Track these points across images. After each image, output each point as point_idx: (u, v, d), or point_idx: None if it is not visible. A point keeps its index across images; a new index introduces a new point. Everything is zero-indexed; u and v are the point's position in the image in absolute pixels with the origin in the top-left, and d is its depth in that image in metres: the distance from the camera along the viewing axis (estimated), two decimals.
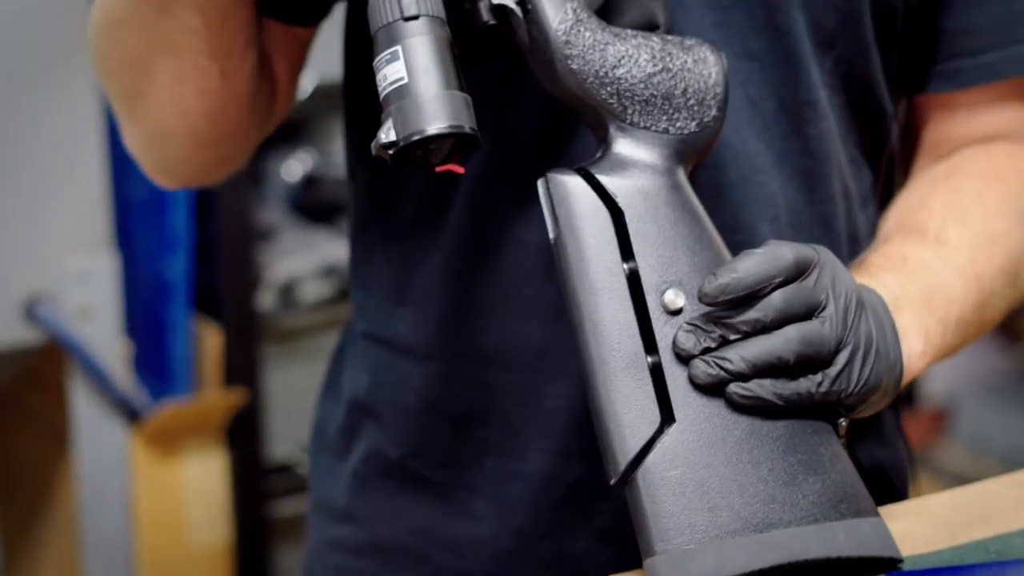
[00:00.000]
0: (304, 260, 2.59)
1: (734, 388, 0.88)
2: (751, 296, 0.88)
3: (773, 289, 0.88)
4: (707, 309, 0.89)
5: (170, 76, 1.05)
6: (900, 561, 0.89)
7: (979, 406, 2.99)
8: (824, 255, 0.92)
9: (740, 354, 0.87)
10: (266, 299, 2.53)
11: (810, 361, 0.89)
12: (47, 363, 2.22)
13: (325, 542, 1.20)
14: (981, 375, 2.98)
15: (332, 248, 2.61)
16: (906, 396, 1.12)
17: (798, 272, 0.89)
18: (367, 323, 1.16)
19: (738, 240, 1.04)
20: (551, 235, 0.91)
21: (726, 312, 0.88)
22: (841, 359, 0.90)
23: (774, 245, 0.90)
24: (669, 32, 0.96)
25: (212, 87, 1.06)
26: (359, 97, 1.14)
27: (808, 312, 0.89)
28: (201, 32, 1.02)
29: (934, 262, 1.03)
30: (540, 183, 0.92)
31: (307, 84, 2.45)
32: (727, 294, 0.88)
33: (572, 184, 0.91)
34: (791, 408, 0.89)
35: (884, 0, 1.08)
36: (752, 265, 0.88)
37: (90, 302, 2.19)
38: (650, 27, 0.96)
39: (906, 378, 0.96)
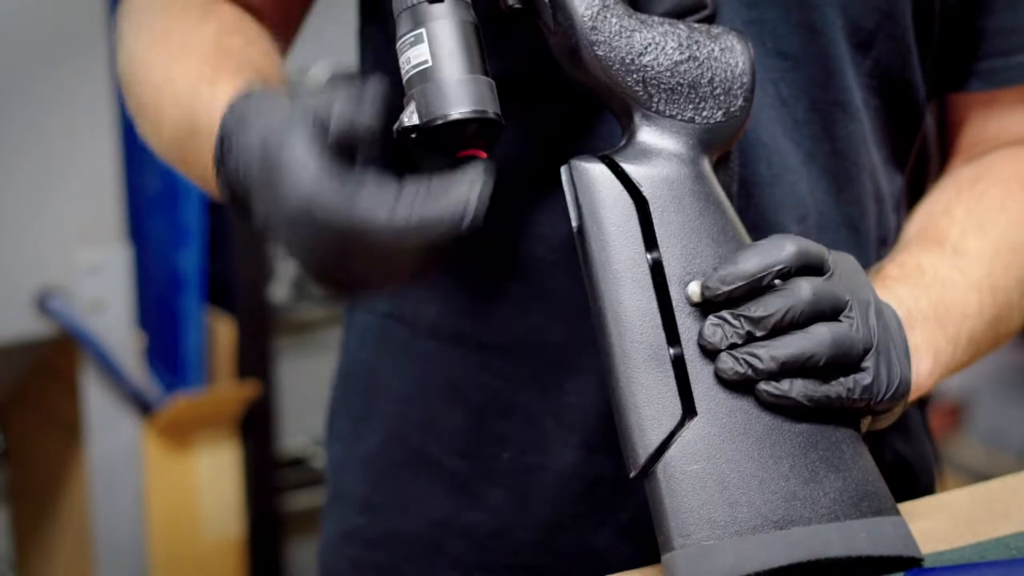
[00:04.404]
0: None
1: (764, 387, 0.87)
2: (756, 285, 0.87)
3: (775, 278, 0.87)
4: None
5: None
6: (920, 560, 0.89)
7: (995, 401, 2.99)
8: (843, 259, 0.91)
9: (771, 353, 0.87)
10: (279, 291, 2.53)
11: (839, 363, 0.88)
12: (59, 356, 2.22)
13: (340, 534, 1.19)
14: (997, 370, 2.96)
15: None
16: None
17: (800, 262, 0.88)
18: (388, 304, 1.16)
19: None
20: (574, 224, 0.90)
21: (754, 304, 0.88)
22: (870, 364, 0.89)
23: (777, 237, 0.89)
24: (716, 14, 0.96)
25: None
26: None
27: (835, 311, 0.89)
28: None
29: (950, 274, 1.03)
30: (563, 171, 0.91)
31: (322, 74, 2.44)
32: (727, 284, 0.87)
33: (596, 172, 0.90)
34: (817, 409, 0.88)
35: (925, 0, 1.07)
36: (751, 254, 0.88)
37: (103, 295, 2.19)
38: (698, 7, 0.95)
39: (912, 396, 0.95)
